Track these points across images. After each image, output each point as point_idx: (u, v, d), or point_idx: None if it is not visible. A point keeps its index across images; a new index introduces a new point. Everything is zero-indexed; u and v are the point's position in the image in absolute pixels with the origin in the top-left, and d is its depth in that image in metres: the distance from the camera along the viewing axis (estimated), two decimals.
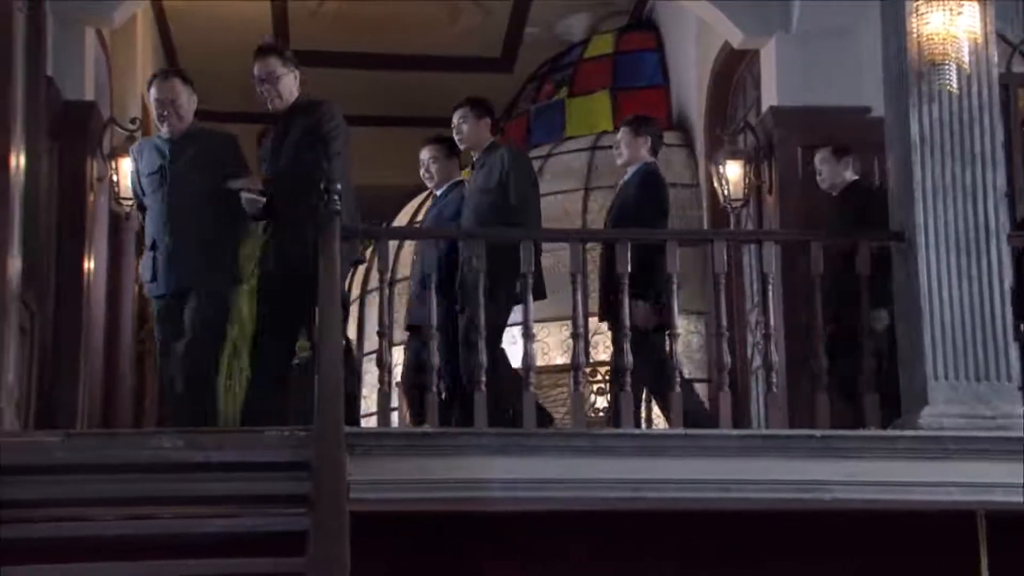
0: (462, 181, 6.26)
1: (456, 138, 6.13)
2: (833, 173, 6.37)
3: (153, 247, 5.30)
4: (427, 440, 4.95)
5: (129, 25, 7.88)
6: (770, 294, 5.50)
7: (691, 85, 9.07)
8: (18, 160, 5.10)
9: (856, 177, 6.42)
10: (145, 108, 7.40)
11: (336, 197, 4.94)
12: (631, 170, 6.07)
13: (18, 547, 4.08)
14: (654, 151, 6.10)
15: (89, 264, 7.02)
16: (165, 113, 5.32)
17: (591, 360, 7.45)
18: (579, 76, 9.96)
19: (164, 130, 5.36)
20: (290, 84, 5.41)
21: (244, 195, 5.21)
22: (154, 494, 4.25)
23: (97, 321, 7.21)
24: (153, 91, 5.39)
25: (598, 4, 10.01)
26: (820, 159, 6.45)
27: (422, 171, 6.27)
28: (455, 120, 6.12)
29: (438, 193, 6.26)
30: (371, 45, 10.17)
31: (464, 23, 10.04)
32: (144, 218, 5.47)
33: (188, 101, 5.38)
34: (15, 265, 5.04)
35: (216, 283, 5.26)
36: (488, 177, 5.88)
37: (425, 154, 6.23)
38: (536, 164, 9.25)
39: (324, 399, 3.92)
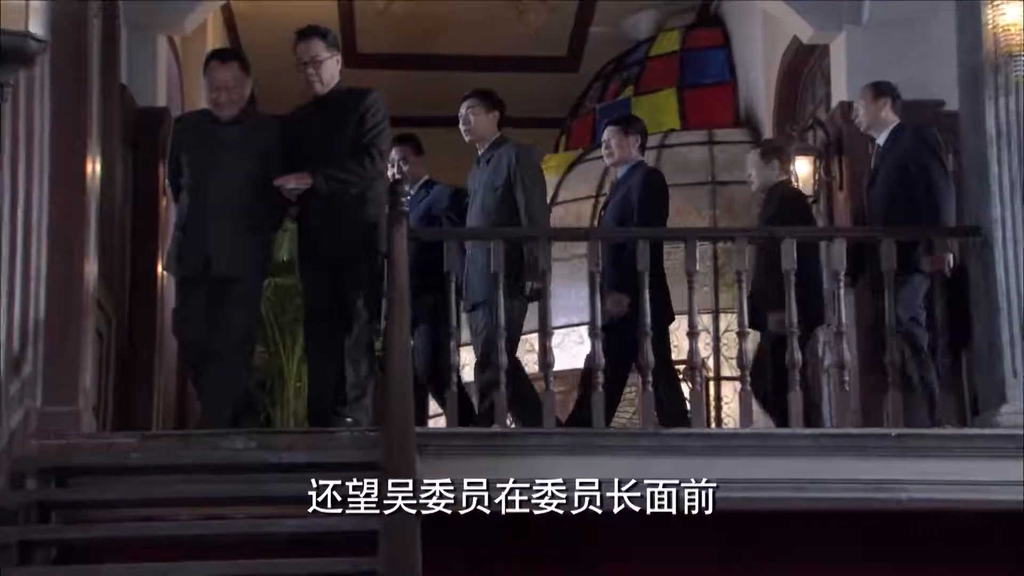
0: (430, 181, 6.26)
1: (463, 129, 6.00)
2: (761, 175, 6.36)
3: (184, 227, 5.21)
4: (496, 440, 4.95)
5: (199, 31, 7.99)
6: (841, 291, 5.43)
7: (759, 81, 8.98)
8: (94, 167, 5.20)
9: (783, 178, 6.44)
10: None
11: (404, 199, 4.96)
12: (623, 168, 6.09)
13: (95, 547, 4.16)
14: (642, 150, 6.16)
15: (163, 268, 7.13)
16: (221, 98, 5.23)
17: None
18: (645, 74, 9.91)
19: (217, 111, 5.27)
20: (332, 68, 5.35)
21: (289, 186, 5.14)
22: (228, 494, 4.30)
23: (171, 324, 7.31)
24: (210, 72, 5.30)
25: (664, 1, 9.95)
26: (749, 161, 6.47)
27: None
28: (463, 111, 6.01)
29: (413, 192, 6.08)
30: (436, 46, 10.20)
31: (530, 22, 10.03)
32: (177, 197, 5.40)
33: (245, 86, 5.29)
34: (91, 270, 5.13)
35: (257, 274, 5.23)
36: (495, 174, 5.78)
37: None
38: (602, 163, 9.26)
39: (393, 399, 3.94)
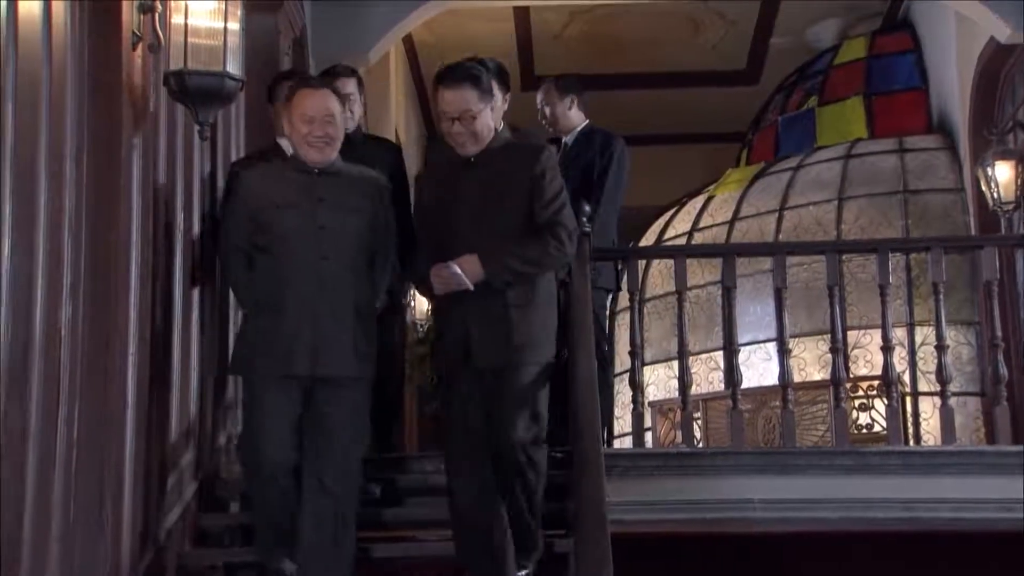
0: None
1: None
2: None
3: (276, 308, 3.71)
4: (684, 460, 4.89)
5: (383, 61, 8.20)
6: None
7: (953, 85, 8.65)
8: None
9: None
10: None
11: (585, 219, 4.96)
12: (571, 136, 5.35)
13: None
14: (585, 108, 5.44)
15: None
16: (320, 136, 3.79)
17: (851, 375, 7.20)
18: (829, 83, 9.68)
19: (311, 155, 3.81)
20: (488, 120, 3.95)
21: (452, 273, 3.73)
22: (417, 518, 4.35)
23: None
24: (301, 104, 3.81)
25: (849, 8, 9.71)
26: None
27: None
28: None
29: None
30: (613, 65, 10.20)
31: (707, 37, 9.94)
32: (233, 266, 3.89)
33: (343, 120, 3.93)
34: None
35: (365, 371, 3.80)
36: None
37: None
38: (786, 176, 9.10)
39: (581, 421, 3.92)
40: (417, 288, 4.11)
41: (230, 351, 4.13)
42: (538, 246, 3.74)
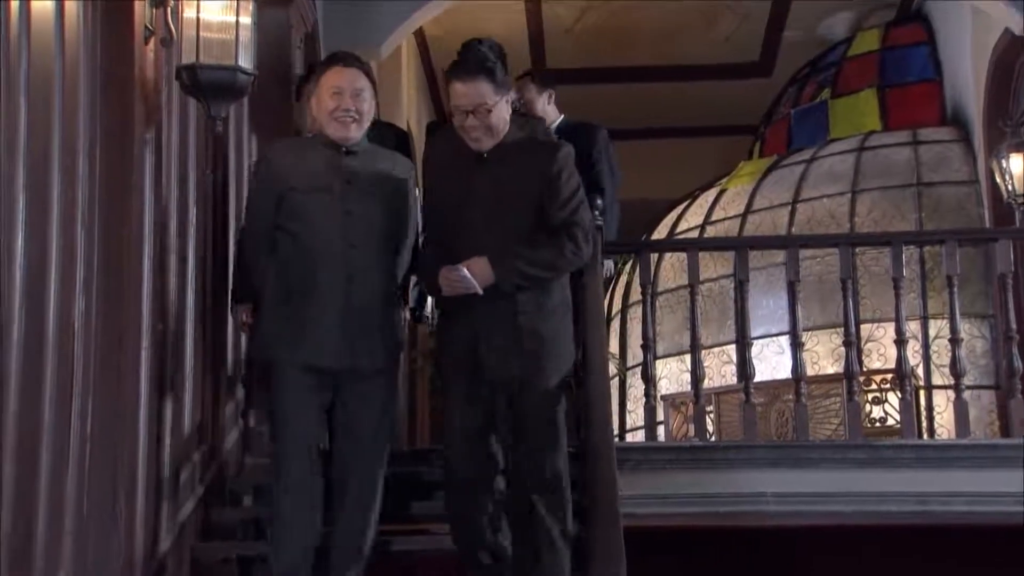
0: None
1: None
2: None
3: (303, 293, 3.64)
4: (696, 454, 4.88)
5: (395, 55, 8.20)
6: None
7: (967, 77, 8.61)
8: None
9: None
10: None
11: (598, 212, 4.94)
12: (552, 131, 5.16)
13: None
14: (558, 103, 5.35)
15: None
16: (348, 110, 3.72)
17: (865, 368, 7.19)
18: (843, 75, 9.64)
19: (338, 131, 3.74)
20: (503, 111, 3.75)
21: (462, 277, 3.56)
22: (440, 512, 4.34)
23: None
24: (331, 79, 3.76)
25: (862, 1, 9.67)
26: None
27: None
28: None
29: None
30: (625, 58, 10.19)
31: (720, 29, 9.91)
32: (250, 250, 3.84)
33: (372, 100, 3.83)
34: None
35: (392, 363, 3.76)
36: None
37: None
38: (799, 169, 9.07)
39: (594, 415, 3.92)
40: (423, 286, 3.93)
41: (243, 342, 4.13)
42: (552, 248, 3.56)
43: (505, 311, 3.54)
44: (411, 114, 9.33)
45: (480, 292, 3.51)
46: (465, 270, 3.51)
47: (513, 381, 3.53)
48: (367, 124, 3.77)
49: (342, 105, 3.71)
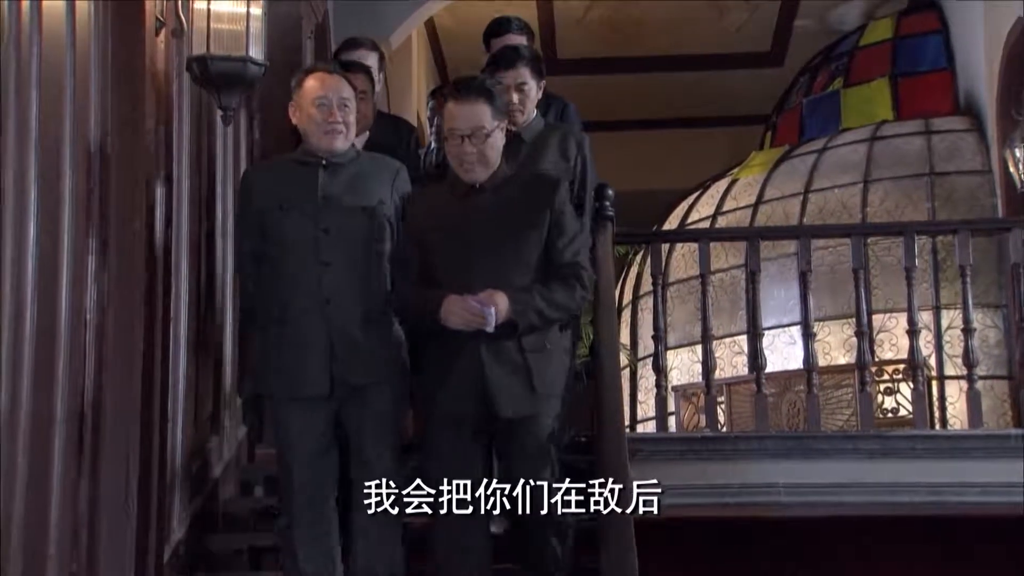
0: None
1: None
2: None
3: (280, 320, 3.45)
4: (708, 444, 4.88)
5: (405, 46, 8.19)
6: None
7: (980, 66, 8.56)
8: None
9: None
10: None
11: (608, 203, 4.93)
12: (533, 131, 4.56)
13: None
14: None
15: None
16: (334, 123, 3.51)
17: (877, 359, 7.17)
18: (855, 65, 9.60)
19: (324, 142, 3.52)
20: (499, 140, 3.57)
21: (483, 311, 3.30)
22: None
23: None
24: (314, 88, 3.54)
25: None
26: None
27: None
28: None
29: None
30: (637, 48, 10.17)
31: (732, 19, 9.89)
32: (245, 266, 3.67)
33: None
34: None
35: (392, 375, 3.51)
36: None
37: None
38: (810, 158, 9.04)
39: (606, 405, 3.92)
40: (399, 315, 3.51)
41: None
42: (566, 290, 3.41)
43: (511, 350, 3.36)
44: (421, 106, 9.31)
45: (492, 329, 3.29)
46: (491, 306, 3.27)
47: (513, 419, 3.38)
48: (354, 134, 3.60)
49: (328, 118, 3.49)
